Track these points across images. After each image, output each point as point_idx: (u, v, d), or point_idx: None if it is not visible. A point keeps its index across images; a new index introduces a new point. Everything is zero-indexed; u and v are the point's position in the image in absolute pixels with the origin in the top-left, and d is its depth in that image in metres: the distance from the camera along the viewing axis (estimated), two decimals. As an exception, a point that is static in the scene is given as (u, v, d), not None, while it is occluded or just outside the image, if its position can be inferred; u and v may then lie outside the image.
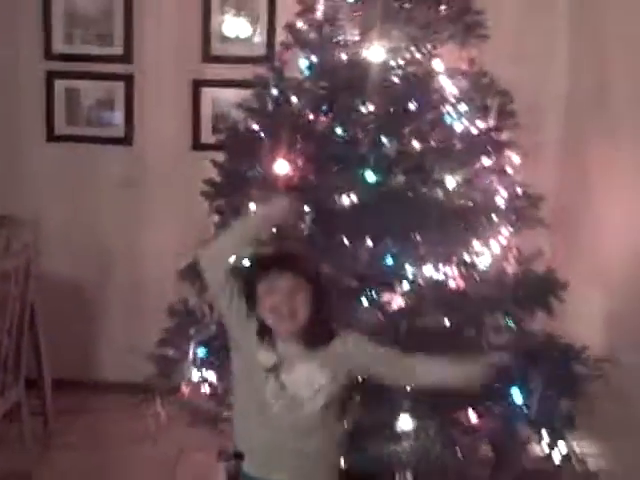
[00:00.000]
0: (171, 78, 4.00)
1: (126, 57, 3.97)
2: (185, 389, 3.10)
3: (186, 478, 3.42)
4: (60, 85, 3.99)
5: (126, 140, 4.03)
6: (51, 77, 3.99)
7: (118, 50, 3.96)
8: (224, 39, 3.97)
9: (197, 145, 4.02)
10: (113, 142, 4.03)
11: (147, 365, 3.25)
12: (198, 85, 3.98)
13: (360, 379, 2.29)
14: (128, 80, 3.99)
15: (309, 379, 2.12)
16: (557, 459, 3.34)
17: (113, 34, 3.96)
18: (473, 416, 2.82)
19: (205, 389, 3.05)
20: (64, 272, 4.01)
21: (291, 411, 2.12)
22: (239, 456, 2.99)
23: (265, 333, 2.13)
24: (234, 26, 3.97)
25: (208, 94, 3.99)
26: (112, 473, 3.43)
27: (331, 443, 2.22)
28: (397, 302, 2.78)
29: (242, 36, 3.98)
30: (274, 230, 2.52)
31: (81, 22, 3.97)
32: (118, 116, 4.02)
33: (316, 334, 2.13)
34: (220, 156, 3.08)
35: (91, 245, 4.13)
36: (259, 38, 3.96)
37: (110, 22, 3.96)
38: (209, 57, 3.97)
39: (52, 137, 4.04)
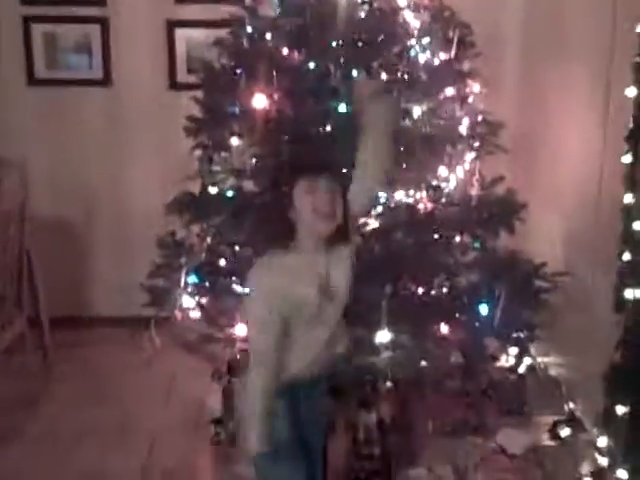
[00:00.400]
0: (145, 20, 4.05)
1: (101, 0, 4.03)
2: (178, 315, 3.28)
3: (181, 400, 3.59)
4: (37, 29, 4.04)
5: (105, 82, 4.10)
6: (28, 22, 4.03)
7: (92, -6, 4.01)
8: (195, -21, 4.03)
9: (174, 84, 4.10)
10: (92, 84, 4.10)
11: (138, 298, 3.43)
12: (172, 26, 4.04)
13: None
14: (104, 23, 4.04)
15: (345, 277, 2.22)
16: (522, 369, 3.62)
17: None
18: (444, 328, 3.05)
19: (197, 313, 3.24)
20: (52, 213, 4.10)
21: (336, 306, 2.23)
22: (232, 373, 3.23)
23: (290, 240, 2.17)
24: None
25: (182, 34, 4.05)
26: (110, 398, 3.59)
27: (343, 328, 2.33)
28: (371, 224, 2.98)
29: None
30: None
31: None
32: (96, 58, 4.07)
33: (341, 233, 2.19)
34: (197, 95, 3.18)
35: (77, 185, 4.21)
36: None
37: (82, -35, 4.00)
38: (181, -3, 4.03)
39: (33, 81, 4.11)
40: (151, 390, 3.68)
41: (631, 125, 2.57)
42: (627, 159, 2.62)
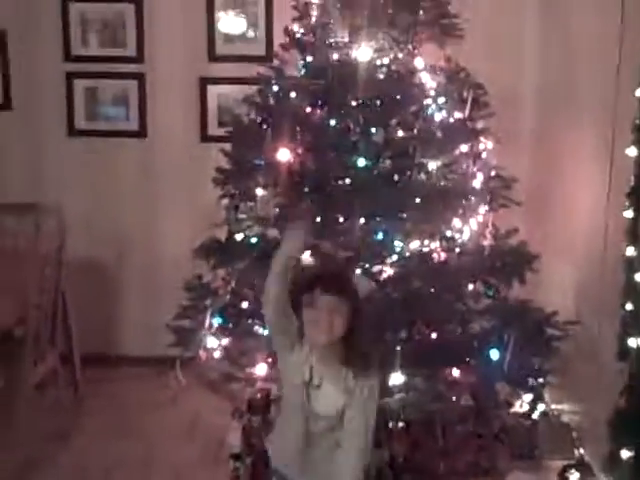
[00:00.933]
0: (179, 76, 4.28)
1: (138, 58, 4.27)
2: (202, 355, 3.44)
3: (203, 437, 3.72)
4: (79, 84, 4.30)
5: (140, 133, 4.33)
6: (70, 77, 4.29)
7: (131, 52, 4.27)
8: (227, 40, 4.25)
9: (205, 137, 4.30)
10: (128, 135, 4.33)
11: (164, 339, 3.58)
12: (204, 82, 4.28)
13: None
14: (140, 78, 4.28)
15: (332, 400, 2.28)
16: (535, 415, 3.72)
17: (125, 37, 4.26)
18: (456, 372, 3.18)
19: (220, 353, 3.39)
20: (86, 256, 4.27)
21: (327, 427, 2.29)
22: (252, 411, 3.38)
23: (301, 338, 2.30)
24: (236, 28, 4.27)
25: (214, 90, 4.28)
26: (136, 433, 3.74)
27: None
28: (387, 272, 3.13)
29: (243, 37, 4.26)
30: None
31: (95, 26, 4.26)
32: (132, 111, 4.31)
33: (350, 351, 2.27)
34: (226, 147, 3.36)
35: (110, 231, 4.40)
36: (258, 39, 4.23)
37: (122, 26, 4.25)
38: (214, 56, 4.27)
39: (73, 132, 4.34)
40: (175, 426, 3.82)
41: (632, 182, 2.73)
42: (629, 214, 2.77)
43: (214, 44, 4.27)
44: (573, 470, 3.32)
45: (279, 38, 3.89)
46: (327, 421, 2.29)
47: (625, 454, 2.86)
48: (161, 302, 4.22)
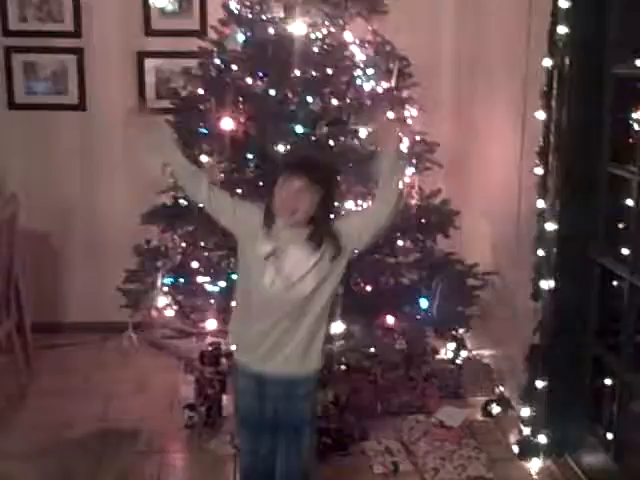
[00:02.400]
0: (117, 51, 4.42)
1: (76, 33, 4.39)
2: (154, 314, 3.65)
3: (156, 391, 3.91)
4: (18, 58, 4.40)
5: (79, 106, 4.47)
6: (9, 52, 4.38)
7: (68, 26, 4.38)
8: (162, 15, 4.41)
9: (144, 109, 4.49)
10: (68, 108, 4.46)
11: (110, 306, 3.76)
12: (141, 56, 4.42)
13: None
14: (79, 53, 4.41)
15: (306, 262, 2.39)
16: (459, 360, 4.09)
17: (63, 12, 4.37)
18: (390, 320, 3.48)
19: (171, 312, 3.61)
20: (30, 227, 4.32)
21: (286, 292, 2.38)
22: (207, 362, 3.61)
23: (270, 220, 2.40)
24: (170, 3, 4.42)
25: (151, 64, 4.43)
26: (90, 392, 3.91)
27: (320, 323, 2.46)
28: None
29: (177, 12, 4.41)
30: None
31: (33, 2, 4.36)
32: (72, 85, 4.43)
33: (316, 233, 2.39)
34: (168, 118, 3.55)
35: (54, 201, 4.51)
36: (193, 14, 4.40)
37: (60, 1, 4.36)
38: (150, 31, 4.42)
39: (13, 105, 4.44)
40: (128, 384, 4.00)
41: (541, 143, 3.06)
42: (539, 171, 3.10)
43: (149, 19, 4.41)
44: (494, 404, 3.70)
45: (212, 13, 4.16)
46: (295, 285, 2.38)
47: (540, 384, 3.22)
48: (105, 269, 4.41)
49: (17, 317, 4.03)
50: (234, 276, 3.36)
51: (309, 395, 2.54)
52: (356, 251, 2.58)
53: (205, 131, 3.45)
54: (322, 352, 2.52)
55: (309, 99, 3.33)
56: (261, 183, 3.34)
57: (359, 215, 2.87)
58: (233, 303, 2.67)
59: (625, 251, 2.82)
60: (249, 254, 2.47)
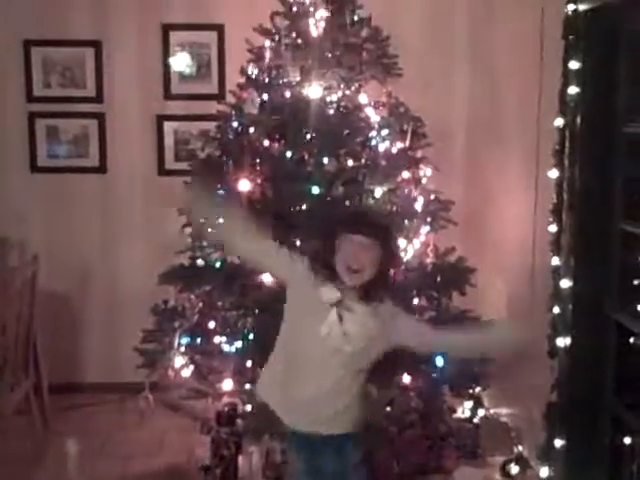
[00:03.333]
0: (137, 114, 4.53)
1: (98, 98, 4.52)
2: (170, 374, 3.66)
3: (172, 452, 3.89)
4: (41, 123, 4.52)
5: (100, 169, 4.56)
6: (33, 117, 4.51)
7: (91, 92, 4.51)
8: (182, 79, 4.53)
9: (162, 171, 4.56)
10: (89, 171, 4.56)
11: (127, 367, 3.79)
12: (161, 119, 4.54)
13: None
14: (100, 117, 4.53)
15: (363, 319, 2.37)
16: (476, 418, 4.06)
17: (85, 78, 4.50)
18: (407, 378, 3.48)
19: (188, 372, 3.62)
20: (49, 289, 4.38)
21: (340, 344, 2.35)
22: (222, 423, 3.60)
23: (334, 276, 2.38)
24: (189, 68, 4.55)
25: (170, 127, 4.54)
26: (107, 454, 3.90)
27: (363, 382, 2.50)
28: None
29: (196, 77, 4.53)
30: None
31: (57, 68, 4.50)
32: (93, 149, 4.54)
33: (372, 292, 2.38)
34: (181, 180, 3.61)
35: (73, 263, 4.58)
36: (211, 79, 4.52)
37: (82, 68, 4.50)
38: (169, 95, 4.54)
39: (35, 168, 4.56)
40: (144, 445, 3.99)
41: (555, 200, 3.10)
42: (553, 228, 3.13)
43: (169, 83, 4.53)
44: (513, 464, 3.66)
45: (230, 78, 4.27)
46: (351, 341, 2.35)
47: (558, 443, 3.18)
48: (123, 330, 4.47)
49: (35, 378, 4.05)
50: (251, 336, 3.39)
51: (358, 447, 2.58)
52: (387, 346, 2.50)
53: (223, 192, 3.51)
54: (365, 409, 2.56)
55: (325, 160, 3.40)
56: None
57: (421, 326, 2.69)
58: (271, 358, 2.59)
59: (640, 308, 2.82)
60: (307, 298, 2.42)
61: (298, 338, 2.46)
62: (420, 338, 2.48)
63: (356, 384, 2.48)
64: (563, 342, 3.12)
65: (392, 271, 2.63)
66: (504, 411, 4.12)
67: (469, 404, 4.07)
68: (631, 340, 2.95)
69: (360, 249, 2.35)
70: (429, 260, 3.63)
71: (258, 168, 3.43)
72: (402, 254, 3.59)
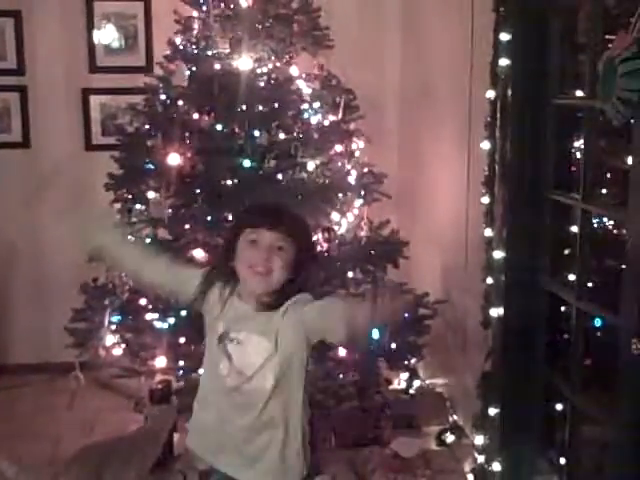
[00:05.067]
0: (61, 88, 4.39)
1: (19, 70, 4.35)
2: (101, 353, 3.59)
3: (105, 432, 3.75)
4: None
5: (23, 144, 4.42)
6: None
7: (12, 64, 4.34)
8: (107, 52, 4.40)
9: (89, 146, 4.44)
10: (12, 146, 4.41)
11: (56, 346, 3.70)
12: (86, 93, 4.41)
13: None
14: (22, 90, 4.37)
15: (258, 346, 1.99)
16: (412, 390, 4.09)
17: (6, 50, 4.33)
18: (342, 351, 3.49)
19: (119, 351, 3.56)
20: None
21: (240, 383, 2.01)
22: (156, 401, 3.55)
23: (227, 288, 2.03)
24: (115, 40, 4.43)
25: (96, 100, 4.41)
26: (38, 435, 3.80)
27: (286, 412, 2.05)
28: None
29: (123, 49, 4.40)
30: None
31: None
32: (15, 123, 4.39)
33: (278, 298, 1.98)
34: (113, 154, 3.53)
35: (-3, 240, 4.44)
36: (138, 51, 4.40)
37: (2, 39, 4.32)
38: (95, 68, 4.40)
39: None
40: (76, 425, 3.90)
41: (486, 172, 3.11)
42: (485, 200, 3.14)
43: (94, 56, 4.40)
44: (448, 433, 3.70)
45: (158, 50, 4.16)
46: (253, 379, 1.99)
47: (492, 411, 3.22)
48: (51, 309, 4.35)
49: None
50: (183, 312, 3.34)
51: None
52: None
53: (152, 167, 3.44)
54: (303, 456, 2.13)
55: (256, 133, 3.36)
56: (209, 218, 3.34)
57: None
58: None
59: (571, 277, 2.86)
60: (208, 334, 2.12)
61: (207, 378, 2.15)
62: (332, 315, 1.91)
63: (288, 414, 2.06)
64: (496, 312, 3.15)
65: (312, 273, 2.13)
66: (439, 382, 4.15)
67: (405, 376, 4.11)
68: (562, 309, 3.00)
69: (266, 246, 1.96)
70: (363, 233, 3.64)
71: (188, 142, 3.37)
72: (335, 228, 3.59)
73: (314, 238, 2.33)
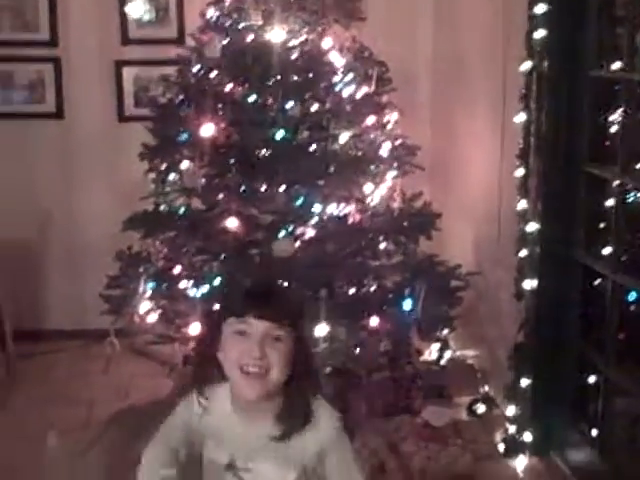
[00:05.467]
0: (94, 60, 4.42)
1: (52, 42, 4.38)
2: (136, 319, 3.64)
3: (139, 397, 3.85)
4: (-7, 69, 4.37)
5: (57, 115, 4.46)
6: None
7: (44, 36, 4.37)
8: (139, 24, 4.41)
9: (122, 117, 4.48)
10: (46, 117, 4.45)
11: (91, 313, 3.75)
12: (119, 65, 4.43)
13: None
14: (56, 62, 4.40)
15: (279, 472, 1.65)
16: (443, 361, 4.11)
17: (39, 21, 4.37)
18: (374, 321, 3.50)
19: (154, 317, 3.60)
20: (8, 236, 4.32)
21: None
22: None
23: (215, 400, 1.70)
24: (147, 12, 4.42)
25: (129, 72, 4.43)
26: (73, 399, 3.87)
27: None
28: (308, 234, 3.43)
29: (155, 21, 4.41)
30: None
31: (6, 12, 4.34)
32: (49, 94, 4.43)
33: (293, 411, 1.64)
34: (141, 126, 3.53)
35: (31, 211, 4.48)
36: (170, 23, 4.41)
37: (35, 10, 4.35)
38: (127, 40, 4.42)
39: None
40: (110, 390, 3.97)
41: (521, 145, 3.10)
42: (520, 172, 3.14)
43: (127, 28, 4.41)
44: (479, 404, 3.73)
45: (190, 22, 4.17)
46: None
47: (524, 382, 3.25)
48: (86, 276, 4.40)
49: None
50: (217, 280, 3.38)
51: None
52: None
53: (186, 137, 3.45)
54: None
55: (289, 105, 3.34)
56: (243, 188, 3.36)
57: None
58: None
59: (606, 251, 2.86)
60: (205, 455, 1.77)
61: None
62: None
63: None
64: (530, 284, 3.16)
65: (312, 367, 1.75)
66: (470, 353, 4.17)
67: (436, 346, 4.13)
68: (597, 282, 3.01)
69: (258, 338, 1.60)
70: (396, 205, 3.63)
71: (221, 113, 3.37)
72: (368, 199, 3.60)
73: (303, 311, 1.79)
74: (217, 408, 1.72)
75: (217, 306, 1.72)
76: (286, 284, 2.22)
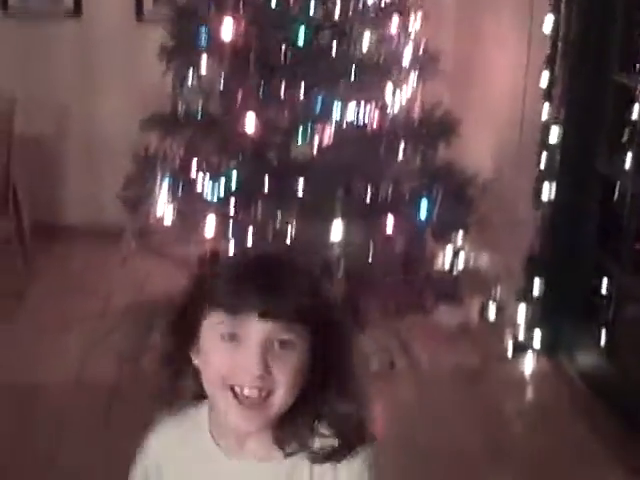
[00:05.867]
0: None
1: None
2: (152, 219, 3.66)
3: (154, 291, 3.78)
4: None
5: (76, 12, 4.40)
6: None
7: None
8: None
9: (140, 17, 4.41)
10: (64, 14, 4.40)
11: (109, 212, 3.76)
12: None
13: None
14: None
15: None
16: (457, 264, 4.14)
17: None
18: (390, 222, 3.50)
19: (170, 218, 3.62)
20: (27, 131, 4.23)
21: None
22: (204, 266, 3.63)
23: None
24: None
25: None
26: (89, 291, 3.93)
27: None
28: (328, 137, 3.41)
29: None
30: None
31: None
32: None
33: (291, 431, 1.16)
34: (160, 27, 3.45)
35: (51, 105, 4.45)
36: None
37: None
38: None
39: (7, 13, 4.37)
40: (126, 285, 4.00)
41: (549, 50, 3.03)
42: (545, 78, 3.08)
43: None
44: (490, 306, 3.77)
45: None
46: None
47: (537, 285, 3.28)
48: (103, 175, 4.42)
49: (15, 219, 4.04)
50: (233, 182, 3.38)
51: None
52: None
53: (204, 39, 3.39)
54: None
55: (311, 6, 3.27)
56: (262, 91, 3.33)
57: None
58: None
59: (628, 161, 2.83)
60: None
61: None
62: None
63: None
64: (548, 192, 3.16)
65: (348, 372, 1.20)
66: (484, 259, 4.20)
67: (450, 250, 4.14)
68: (616, 192, 3.00)
69: (257, 345, 1.10)
70: (416, 112, 3.60)
71: (242, 14, 3.30)
72: (389, 104, 3.55)
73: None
74: (190, 446, 1.21)
75: (193, 289, 1.19)
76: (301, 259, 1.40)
